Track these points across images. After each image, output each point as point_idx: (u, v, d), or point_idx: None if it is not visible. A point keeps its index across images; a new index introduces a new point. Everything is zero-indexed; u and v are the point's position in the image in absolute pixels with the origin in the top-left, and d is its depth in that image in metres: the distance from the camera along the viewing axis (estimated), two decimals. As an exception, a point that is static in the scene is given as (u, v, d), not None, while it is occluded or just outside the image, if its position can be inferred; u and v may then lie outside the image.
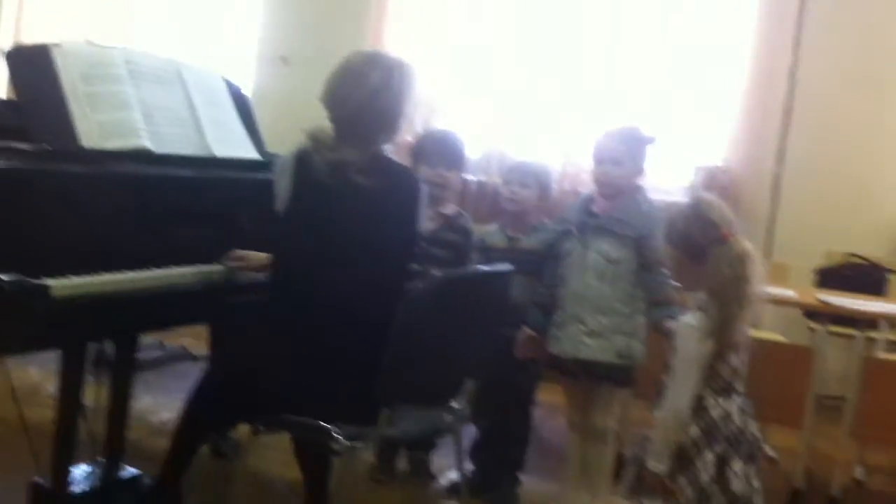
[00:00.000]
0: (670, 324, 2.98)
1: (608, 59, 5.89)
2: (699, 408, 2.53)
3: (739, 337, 2.53)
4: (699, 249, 2.53)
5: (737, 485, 2.50)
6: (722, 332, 2.48)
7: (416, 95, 2.87)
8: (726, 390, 2.55)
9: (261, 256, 2.92)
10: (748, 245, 2.53)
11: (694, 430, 2.52)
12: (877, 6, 5.53)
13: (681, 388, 2.52)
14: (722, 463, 2.51)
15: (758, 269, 2.51)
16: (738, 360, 2.57)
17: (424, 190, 2.85)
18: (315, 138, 2.76)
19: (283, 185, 2.74)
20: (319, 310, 2.66)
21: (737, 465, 2.51)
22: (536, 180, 3.45)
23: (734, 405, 2.55)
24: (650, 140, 3.26)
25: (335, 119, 2.79)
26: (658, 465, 2.52)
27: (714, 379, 2.54)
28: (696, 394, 2.52)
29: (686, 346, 2.53)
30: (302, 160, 2.74)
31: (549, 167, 3.73)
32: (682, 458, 2.52)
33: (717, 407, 2.53)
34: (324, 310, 2.66)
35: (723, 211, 2.59)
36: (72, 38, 2.99)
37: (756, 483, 2.57)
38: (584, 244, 3.19)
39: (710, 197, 2.66)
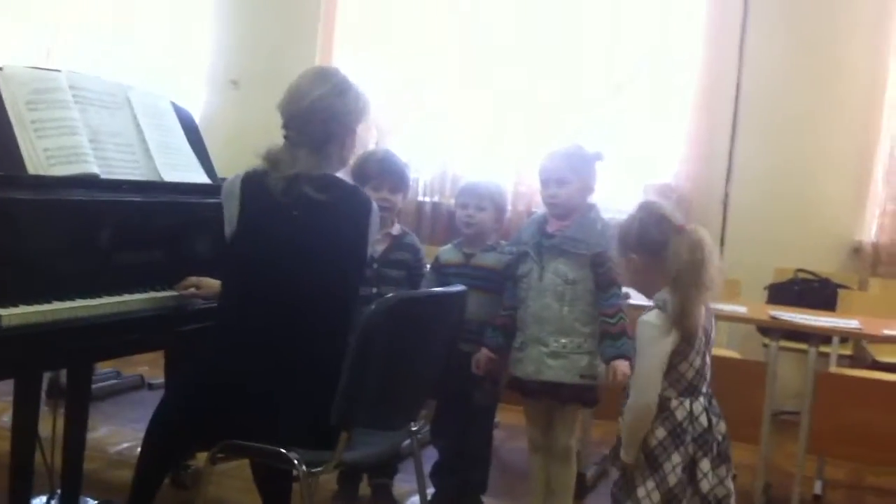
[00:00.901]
0: (622, 365, 3.01)
1: (556, 79, 5.95)
2: (664, 409, 2.55)
3: (699, 323, 2.55)
4: (659, 245, 2.56)
5: (705, 485, 2.54)
6: (683, 318, 2.51)
7: (367, 118, 2.87)
8: (690, 391, 2.58)
9: (214, 284, 2.88)
10: (704, 232, 2.58)
11: (661, 433, 2.54)
12: (818, 26, 5.64)
13: (644, 385, 2.54)
14: (692, 464, 2.55)
15: (715, 254, 2.56)
16: (700, 361, 2.59)
17: (376, 209, 2.83)
18: (268, 158, 2.73)
19: (231, 208, 2.71)
20: (271, 330, 2.63)
21: (705, 465, 2.55)
22: (492, 202, 3.42)
23: (699, 405, 2.58)
24: (596, 157, 3.25)
25: (287, 120, 2.76)
26: (628, 456, 2.56)
27: (678, 380, 2.56)
28: (660, 393, 2.54)
29: (646, 345, 2.55)
30: (250, 181, 2.72)
31: (503, 187, 3.69)
32: (651, 461, 2.55)
33: (681, 408, 2.56)
34: (275, 330, 2.62)
35: (670, 207, 2.65)
36: (13, 63, 2.92)
37: (730, 484, 2.61)
38: (541, 265, 3.17)
39: (653, 199, 2.76)
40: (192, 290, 2.92)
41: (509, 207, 3.72)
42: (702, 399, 2.59)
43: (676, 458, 2.52)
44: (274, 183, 2.68)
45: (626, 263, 2.67)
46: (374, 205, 2.84)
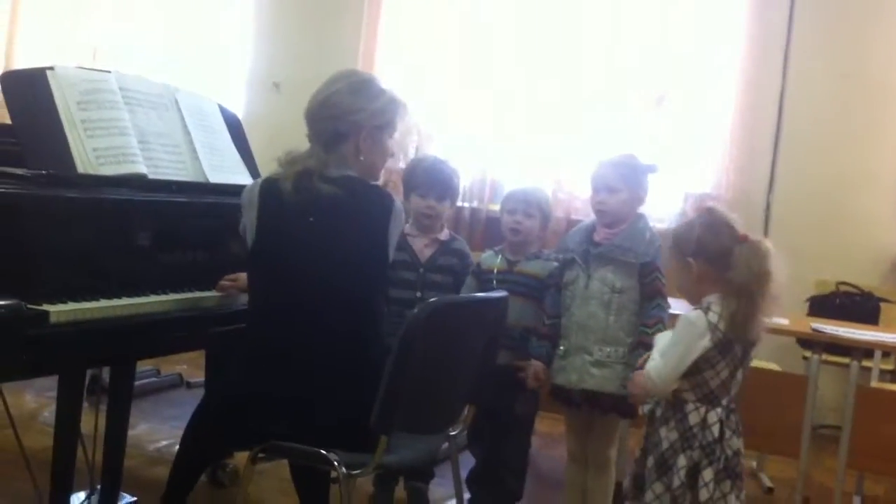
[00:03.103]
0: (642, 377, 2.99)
1: (599, 89, 5.94)
2: (679, 410, 2.59)
3: (758, 335, 2.59)
4: (721, 253, 2.57)
5: (704, 494, 2.54)
6: (743, 328, 2.54)
7: (392, 121, 2.81)
8: (710, 400, 2.59)
9: None
10: (768, 243, 2.60)
11: (672, 435, 2.58)
12: (863, 36, 5.59)
13: (667, 376, 2.58)
14: (696, 471, 2.55)
15: (779, 267, 2.57)
16: (728, 374, 2.59)
17: (398, 207, 2.77)
18: (285, 160, 2.73)
19: (250, 217, 2.70)
20: (299, 335, 2.62)
21: (707, 475, 2.55)
22: (539, 209, 3.39)
23: (714, 415, 2.58)
24: (649, 168, 3.22)
25: (306, 120, 2.77)
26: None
27: (699, 386, 2.59)
28: (679, 394, 2.60)
29: (681, 340, 2.59)
30: (268, 187, 2.70)
31: (548, 194, 3.67)
32: (660, 464, 2.58)
33: (695, 413, 2.58)
34: (303, 334, 2.62)
35: (731, 214, 2.67)
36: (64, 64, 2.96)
37: (734, 501, 2.59)
38: (588, 273, 3.14)
39: (714, 204, 2.72)
40: (231, 283, 2.95)
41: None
42: (719, 410, 2.60)
43: (682, 461, 2.56)
44: (284, 183, 2.65)
45: (681, 268, 2.67)
46: (397, 202, 2.77)
